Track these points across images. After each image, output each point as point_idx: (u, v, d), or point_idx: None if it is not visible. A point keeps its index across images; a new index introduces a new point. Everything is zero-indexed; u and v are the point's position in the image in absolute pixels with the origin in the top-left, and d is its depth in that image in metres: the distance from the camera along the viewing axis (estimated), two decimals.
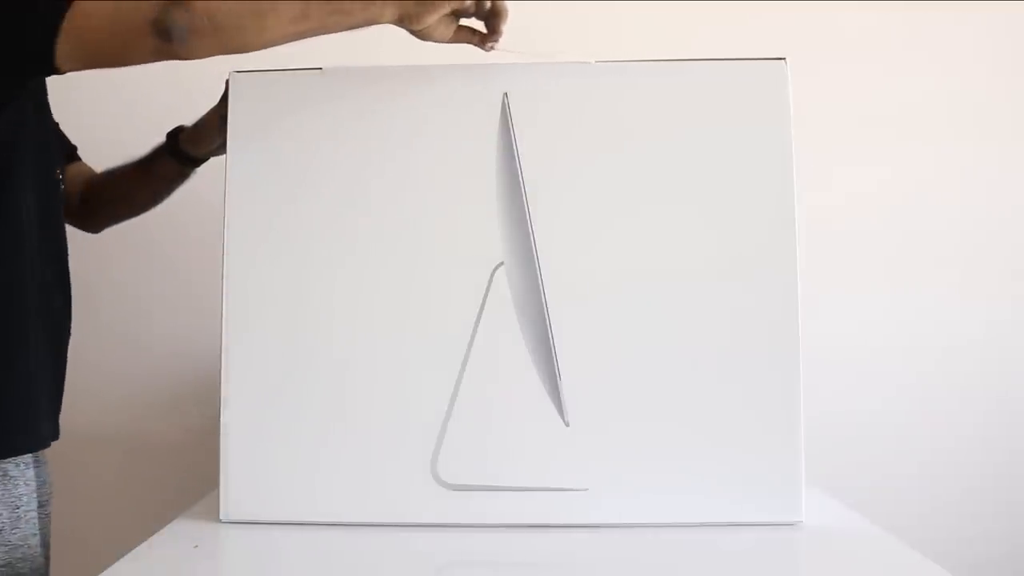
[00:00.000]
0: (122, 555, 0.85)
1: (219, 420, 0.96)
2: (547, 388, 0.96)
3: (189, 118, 1.14)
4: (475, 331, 0.96)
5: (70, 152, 1.22)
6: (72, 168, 1.21)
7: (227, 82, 1.02)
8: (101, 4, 0.84)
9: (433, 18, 0.89)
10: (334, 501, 0.96)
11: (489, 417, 0.96)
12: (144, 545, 0.89)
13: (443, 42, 0.94)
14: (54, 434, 1.03)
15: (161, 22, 0.82)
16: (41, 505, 1.01)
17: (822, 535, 0.93)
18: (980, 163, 1.56)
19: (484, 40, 0.96)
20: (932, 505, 1.54)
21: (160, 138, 1.16)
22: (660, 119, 0.98)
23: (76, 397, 1.55)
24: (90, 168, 1.24)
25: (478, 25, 0.95)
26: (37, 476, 1.00)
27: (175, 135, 1.14)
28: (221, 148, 1.03)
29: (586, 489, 0.95)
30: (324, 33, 0.88)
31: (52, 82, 0.95)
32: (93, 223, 1.24)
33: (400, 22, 0.89)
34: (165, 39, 0.83)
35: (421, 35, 0.92)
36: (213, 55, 0.87)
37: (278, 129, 0.99)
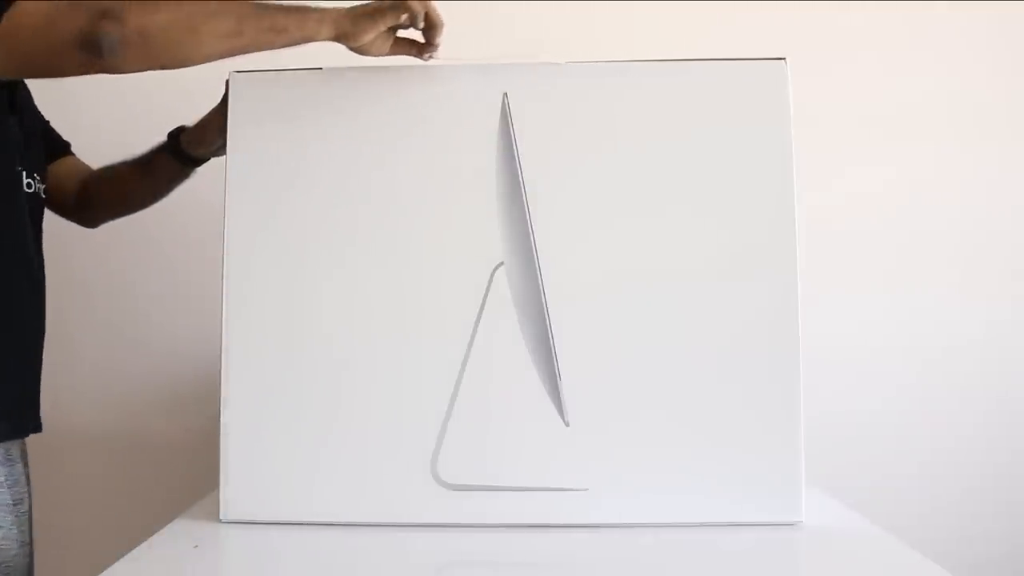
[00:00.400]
0: (122, 555, 0.85)
1: (219, 420, 0.96)
2: (547, 388, 0.96)
3: (189, 118, 1.14)
4: (475, 331, 0.96)
5: (60, 149, 1.21)
6: (65, 164, 1.20)
7: (227, 82, 1.02)
8: (33, 14, 0.83)
9: (370, 36, 0.91)
10: (334, 501, 0.96)
11: (489, 417, 0.96)
12: (144, 545, 0.89)
13: (381, 56, 0.95)
14: (11, 433, 1.01)
15: (91, 35, 0.82)
16: (16, 503, 1.01)
17: (822, 535, 0.93)
18: (980, 163, 1.56)
19: (422, 51, 0.97)
20: (932, 505, 1.54)
21: (160, 138, 1.16)
22: (660, 119, 0.98)
23: (76, 397, 1.56)
24: (85, 164, 1.23)
25: (416, 35, 0.96)
26: (9, 474, 1.00)
27: (176, 135, 1.14)
28: (222, 149, 1.03)
29: (586, 489, 0.95)
30: (259, 50, 0.89)
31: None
32: (90, 219, 1.24)
33: (337, 40, 0.91)
34: (95, 53, 0.83)
35: (359, 51, 0.93)
36: (144, 70, 0.87)
37: (278, 129, 0.99)
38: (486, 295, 0.96)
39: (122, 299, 1.56)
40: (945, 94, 1.56)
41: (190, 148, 1.12)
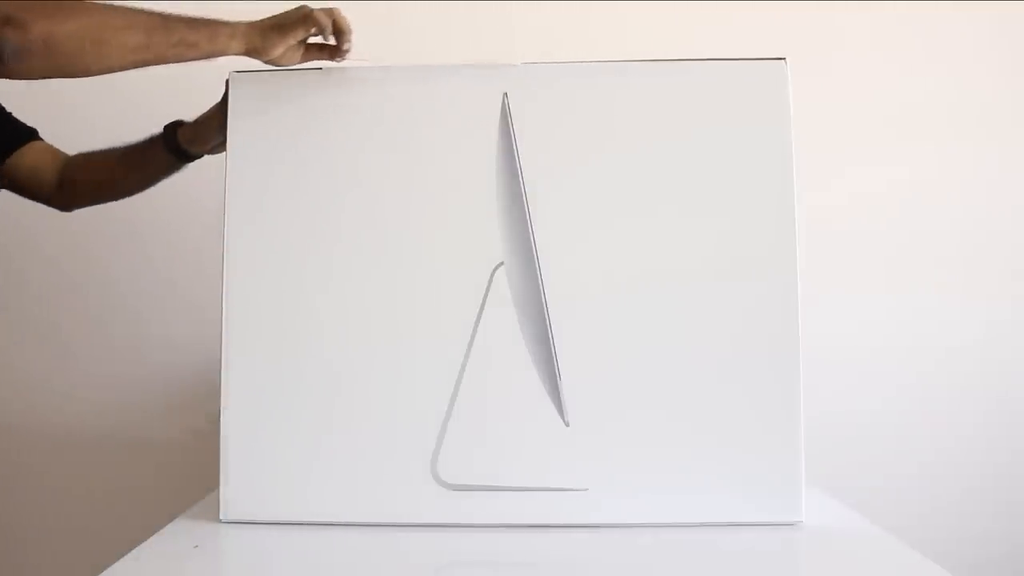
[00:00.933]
0: (122, 555, 0.85)
1: (219, 420, 0.96)
2: (547, 388, 0.96)
3: (188, 117, 1.13)
4: (475, 331, 0.96)
5: (24, 137, 1.19)
6: (35, 149, 1.19)
7: (227, 82, 1.02)
8: None
9: (280, 50, 0.94)
10: (334, 501, 0.96)
11: (489, 417, 0.96)
12: (144, 545, 0.89)
13: (294, 64, 0.98)
14: None
15: None
16: None
17: (822, 535, 0.93)
18: (981, 163, 1.56)
19: (334, 55, 0.98)
20: (932, 505, 1.54)
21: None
22: (660, 119, 0.98)
23: (75, 398, 1.56)
24: (59, 149, 1.21)
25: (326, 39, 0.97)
26: None
27: (173, 130, 1.13)
28: (221, 146, 1.03)
29: (586, 489, 0.95)
30: (167, 63, 0.90)
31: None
32: (67, 204, 1.22)
33: (248, 54, 0.93)
34: None
35: (271, 63, 0.96)
36: (48, 77, 0.87)
37: (278, 129, 0.99)
38: (486, 295, 0.96)
39: (121, 300, 1.56)
40: (946, 94, 1.56)
41: (187, 145, 1.12)
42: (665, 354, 0.96)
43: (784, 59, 0.98)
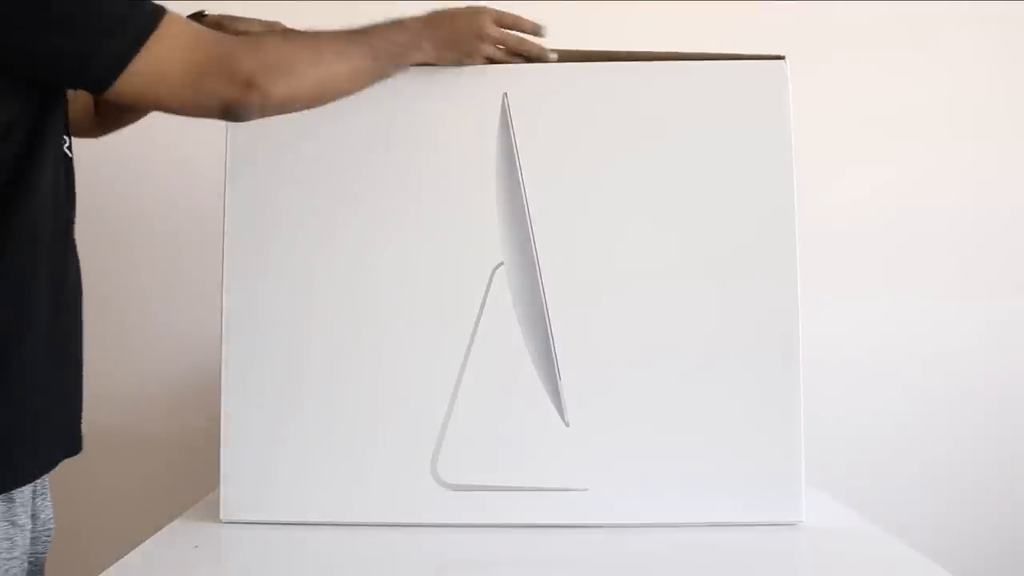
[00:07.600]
0: (122, 555, 0.85)
1: (219, 420, 0.96)
2: (547, 388, 0.96)
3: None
4: (475, 331, 0.96)
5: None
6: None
7: None
8: (179, 72, 0.79)
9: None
10: (334, 501, 0.96)
11: (489, 417, 0.96)
12: (144, 545, 0.89)
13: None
14: (47, 464, 0.89)
15: (236, 104, 0.82)
16: (33, 541, 0.86)
17: (822, 535, 0.93)
18: (980, 163, 1.56)
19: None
20: (932, 505, 1.54)
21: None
22: (660, 119, 0.98)
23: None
24: None
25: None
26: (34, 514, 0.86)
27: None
28: None
29: (586, 489, 0.95)
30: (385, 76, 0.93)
31: None
32: (102, 132, 1.12)
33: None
34: (231, 118, 0.85)
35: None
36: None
37: (278, 129, 0.99)
38: (486, 295, 0.96)
39: (121, 298, 1.55)
40: (945, 94, 1.56)
41: None
42: (665, 354, 0.96)
43: (784, 59, 0.98)
